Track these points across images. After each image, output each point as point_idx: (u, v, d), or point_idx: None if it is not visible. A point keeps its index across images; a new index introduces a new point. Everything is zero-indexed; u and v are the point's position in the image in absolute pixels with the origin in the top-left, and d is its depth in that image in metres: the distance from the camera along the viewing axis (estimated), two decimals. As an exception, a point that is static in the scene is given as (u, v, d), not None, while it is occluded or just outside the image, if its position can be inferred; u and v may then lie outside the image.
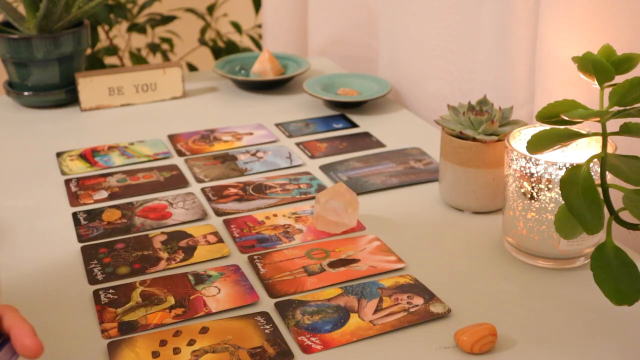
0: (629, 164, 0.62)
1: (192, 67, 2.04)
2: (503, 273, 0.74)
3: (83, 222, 0.84)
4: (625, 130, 0.62)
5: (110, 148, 1.04)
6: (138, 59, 1.92)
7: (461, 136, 0.83)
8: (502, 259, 0.77)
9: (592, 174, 0.65)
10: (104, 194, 0.91)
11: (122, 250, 0.79)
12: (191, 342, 0.64)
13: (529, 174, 0.72)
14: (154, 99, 1.23)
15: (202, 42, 2.02)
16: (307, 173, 0.96)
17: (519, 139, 0.76)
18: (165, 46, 2.04)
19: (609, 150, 0.70)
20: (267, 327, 0.66)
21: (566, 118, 0.64)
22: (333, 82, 1.24)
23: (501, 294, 0.71)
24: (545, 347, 0.63)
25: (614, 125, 0.64)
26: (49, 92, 1.19)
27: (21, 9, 1.26)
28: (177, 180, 0.95)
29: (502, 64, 1.00)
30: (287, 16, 1.58)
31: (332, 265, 0.75)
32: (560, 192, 0.63)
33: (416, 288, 0.71)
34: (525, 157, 0.72)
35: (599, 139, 0.71)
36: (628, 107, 0.63)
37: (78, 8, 1.18)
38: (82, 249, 0.79)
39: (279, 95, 1.26)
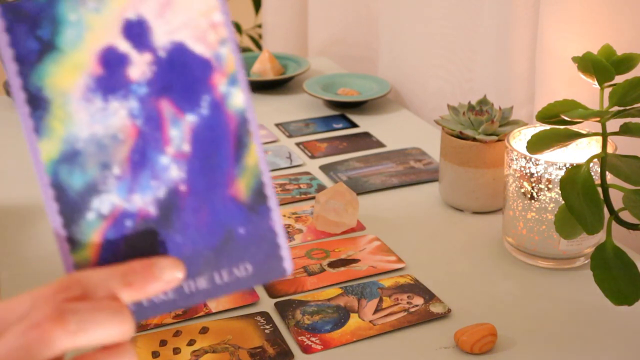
0: (629, 164, 0.62)
1: (192, 67, 2.04)
2: (503, 273, 0.74)
3: (83, 222, 0.84)
4: (625, 130, 0.62)
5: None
6: (138, 59, 1.92)
7: (461, 136, 0.83)
8: (502, 259, 0.77)
9: (592, 174, 0.65)
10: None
11: (122, 250, 0.78)
12: (191, 342, 0.64)
13: (529, 174, 0.72)
14: (154, 99, 1.23)
15: (202, 42, 2.02)
16: (307, 173, 0.96)
17: (519, 139, 0.76)
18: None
19: (609, 150, 0.70)
20: (267, 327, 0.66)
21: (566, 118, 0.64)
22: (333, 82, 1.24)
23: (501, 294, 0.71)
24: (546, 347, 0.63)
25: (614, 125, 0.64)
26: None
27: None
28: (177, 180, 0.94)
29: (502, 64, 1.00)
30: (287, 16, 1.58)
31: (332, 265, 0.75)
32: (560, 192, 0.63)
33: (416, 288, 0.71)
34: (525, 157, 0.72)
35: (599, 139, 0.71)
36: (628, 107, 0.63)
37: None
38: (82, 249, 0.79)
39: (279, 95, 1.25)
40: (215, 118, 0.39)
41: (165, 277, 0.37)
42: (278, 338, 0.64)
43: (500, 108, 0.84)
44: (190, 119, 0.38)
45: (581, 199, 0.61)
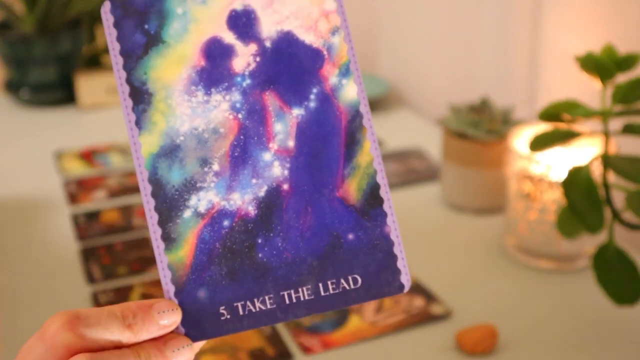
0: (631, 164, 0.62)
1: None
2: (504, 274, 0.74)
3: (82, 222, 0.84)
4: (627, 130, 0.62)
5: (109, 148, 1.04)
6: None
7: (462, 136, 0.83)
8: (503, 259, 0.76)
9: (594, 174, 0.65)
10: (102, 194, 0.91)
11: (120, 251, 0.78)
12: (190, 343, 0.64)
13: (530, 174, 0.72)
14: (153, 98, 1.22)
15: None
16: (307, 173, 0.96)
17: (521, 138, 0.76)
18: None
19: (611, 150, 0.70)
20: (267, 327, 0.65)
21: (568, 117, 0.64)
22: (333, 81, 1.24)
23: (502, 294, 0.70)
24: (547, 347, 0.63)
25: (616, 125, 0.64)
26: (47, 91, 1.18)
27: (19, 8, 1.25)
28: (176, 180, 0.94)
29: (503, 63, 1.00)
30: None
31: (332, 265, 0.75)
32: (562, 192, 0.62)
33: (417, 289, 0.71)
34: (527, 157, 0.71)
35: (601, 138, 0.70)
36: (630, 107, 0.62)
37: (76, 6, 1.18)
38: (81, 249, 0.79)
39: (278, 95, 1.25)
40: (325, 112, 0.36)
41: (162, 321, 0.34)
42: (278, 339, 0.64)
43: (501, 108, 0.84)
44: (297, 112, 0.36)
45: (583, 199, 0.61)
